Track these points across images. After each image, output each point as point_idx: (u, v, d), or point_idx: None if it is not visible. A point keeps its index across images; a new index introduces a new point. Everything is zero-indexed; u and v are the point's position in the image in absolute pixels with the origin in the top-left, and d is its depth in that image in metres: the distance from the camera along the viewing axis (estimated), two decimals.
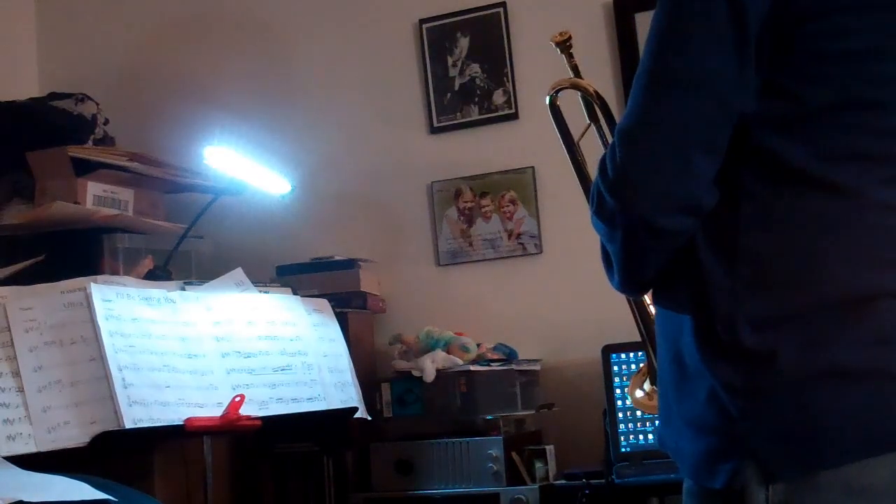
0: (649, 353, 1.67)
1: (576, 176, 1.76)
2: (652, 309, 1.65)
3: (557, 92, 1.77)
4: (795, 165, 1.25)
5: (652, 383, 1.69)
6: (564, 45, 1.78)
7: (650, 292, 1.45)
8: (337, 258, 3.25)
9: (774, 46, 1.24)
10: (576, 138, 1.77)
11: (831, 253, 1.23)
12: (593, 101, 1.70)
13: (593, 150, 1.58)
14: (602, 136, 1.71)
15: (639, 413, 2.83)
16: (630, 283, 1.39)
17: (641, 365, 1.78)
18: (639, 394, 1.74)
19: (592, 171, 1.37)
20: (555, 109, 1.78)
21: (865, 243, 1.23)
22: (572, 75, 1.76)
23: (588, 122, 1.73)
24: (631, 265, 1.34)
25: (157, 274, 2.80)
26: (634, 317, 1.68)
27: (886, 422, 1.20)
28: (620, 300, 1.66)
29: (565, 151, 1.78)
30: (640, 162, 1.26)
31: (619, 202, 1.27)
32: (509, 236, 3.31)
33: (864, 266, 1.23)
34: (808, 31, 1.23)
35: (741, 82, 1.24)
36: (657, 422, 1.45)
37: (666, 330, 1.37)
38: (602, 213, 1.31)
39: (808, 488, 1.20)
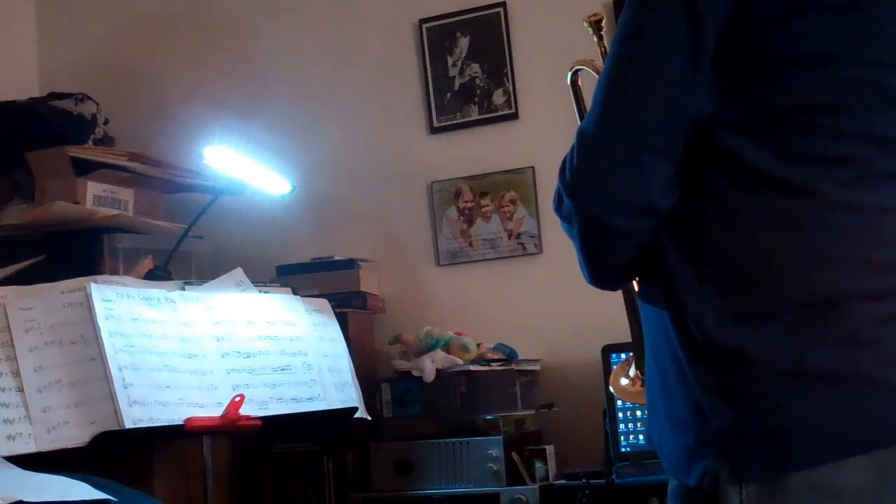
0: (636, 341, 1.68)
1: None
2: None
3: (578, 71, 1.78)
4: (757, 166, 1.25)
5: (637, 368, 1.69)
6: (597, 27, 1.78)
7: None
8: (337, 258, 3.25)
9: (734, 50, 1.25)
10: None
11: (797, 254, 1.23)
12: None
13: None
14: None
15: (639, 413, 2.83)
16: (598, 278, 1.41)
17: (626, 356, 1.77)
18: (623, 381, 1.72)
19: None
20: (575, 86, 1.79)
21: (831, 244, 1.23)
22: (601, 58, 1.77)
23: None
24: (593, 262, 1.37)
25: (157, 274, 2.80)
26: (626, 305, 1.69)
27: (856, 424, 1.19)
28: (620, 300, 1.67)
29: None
30: (595, 164, 1.28)
31: (574, 203, 1.30)
32: (509, 236, 3.31)
33: (830, 267, 1.23)
34: (768, 36, 1.24)
35: (697, 87, 1.26)
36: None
37: (649, 325, 1.38)
38: (561, 211, 1.35)
39: (780, 490, 1.20)
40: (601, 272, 1.39)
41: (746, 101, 1.26)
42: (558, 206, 1.35)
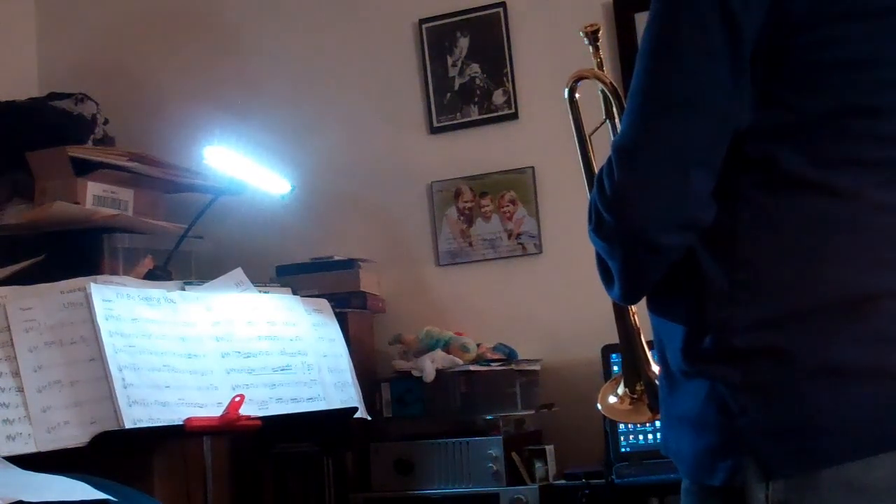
0: (627, 358, 1.68)
1: (583, 171, 1.75)
2: (635, 316, 1.67)
3: (577, 82, 1.76)
4: (792, 171, 1.25)
5: (626, 387, 1.68)
6: (593, 37, 1.77)
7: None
8: (337, 258, 3.25)
9: (769, 57, 1.24)
10: (588, 132, 1.77)
11: (831, 253, 1.24)
12: (610, 96, 1.70)
13: (604, 146, 1.57)
14: (615, 133, 1.70)
15: None
16: (631, 296, 1.40)
17: (615, 375, 1.76)
18: (612, 399, 1.71)
19: (600, 166, 1.36)
20: (573, 99, 1.77)
21: (865, 243, 1.24)
22: (597, 68, 1.76)
23: (604, 118, 1.73)
24: (632, 279, 1.35)
25: (157, 274, 2.81)
26: (617, 322, 1.69)
27: (887, 420, 1.20)
28: None
29: (576, 143, 1.77)
30: (639, 181, 1.26)
31: (617, 221, 1.28)
32: (509, 236, 3.31)
33: (863, 266, 1.23)
34: (803, 42, 1.24)
35: (738, 98, 1.25)
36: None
37: (660, 335, 1.38)
38: (601, 230, 1.31)
39: (809, 486, 1.20)
40: (636, 289, 1.37)
41: (780, 107, 1.26)
42: (597, 226, 1.31)
